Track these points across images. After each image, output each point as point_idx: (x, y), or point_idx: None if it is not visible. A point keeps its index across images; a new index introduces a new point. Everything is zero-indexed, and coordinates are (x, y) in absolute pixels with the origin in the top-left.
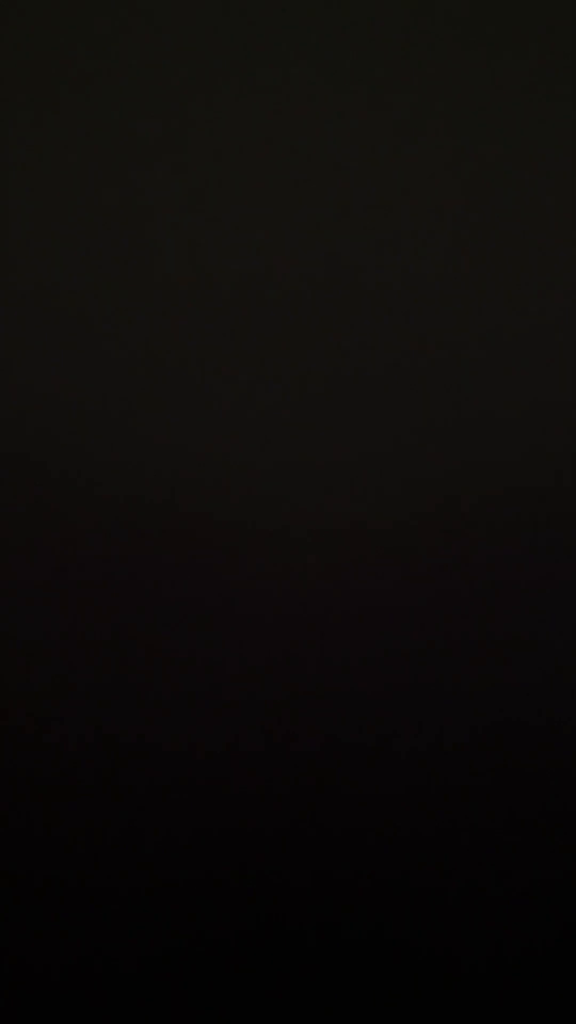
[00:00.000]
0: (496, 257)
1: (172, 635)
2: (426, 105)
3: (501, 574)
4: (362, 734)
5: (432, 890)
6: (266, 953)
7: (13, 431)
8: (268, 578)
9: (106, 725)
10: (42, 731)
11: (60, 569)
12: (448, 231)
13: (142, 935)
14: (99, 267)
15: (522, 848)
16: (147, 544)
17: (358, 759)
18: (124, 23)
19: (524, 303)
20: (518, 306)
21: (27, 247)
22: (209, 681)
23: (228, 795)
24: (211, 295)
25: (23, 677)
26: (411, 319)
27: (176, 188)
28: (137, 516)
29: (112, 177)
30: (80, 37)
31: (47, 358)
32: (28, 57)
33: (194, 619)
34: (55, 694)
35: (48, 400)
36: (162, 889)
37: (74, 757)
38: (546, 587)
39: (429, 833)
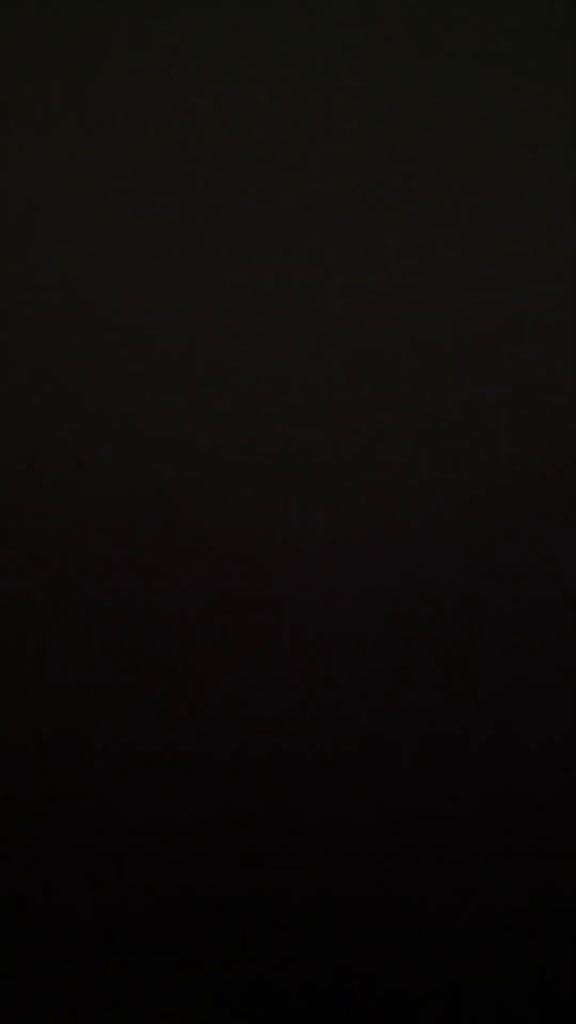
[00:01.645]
0: (498, 262)
1: (169, 641)
2: (426, 112)
3: (501, 586)
4: (361, 741)
5: (432, 903)
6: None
7: (11, 436)
8: (266, 587)
9: (105, 730)
10: (39, 741)
11: (56, 578)
12: (449, 236)
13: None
14: (98, 273)
15: (521, 855)
16: (145, 550)
17: (356, 767)
18: (121, 22)
19: (526, 314)
20: (520, 319)
21: (26, 248)
22: (206, 687)
23: (227, 801)
24: (210, 301)
25: (18, 685)
26: (412, 328)
27: (176, 185)
28: (134, 523)
29: (111, 179)
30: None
31: (46, 362)
32: (26, 56)
33: (191, 629)
34: (52, 701)
35: (46, 403)
36: (161, 900)
37: (73, 766)
38: (545, 596)
39: (427, 842)
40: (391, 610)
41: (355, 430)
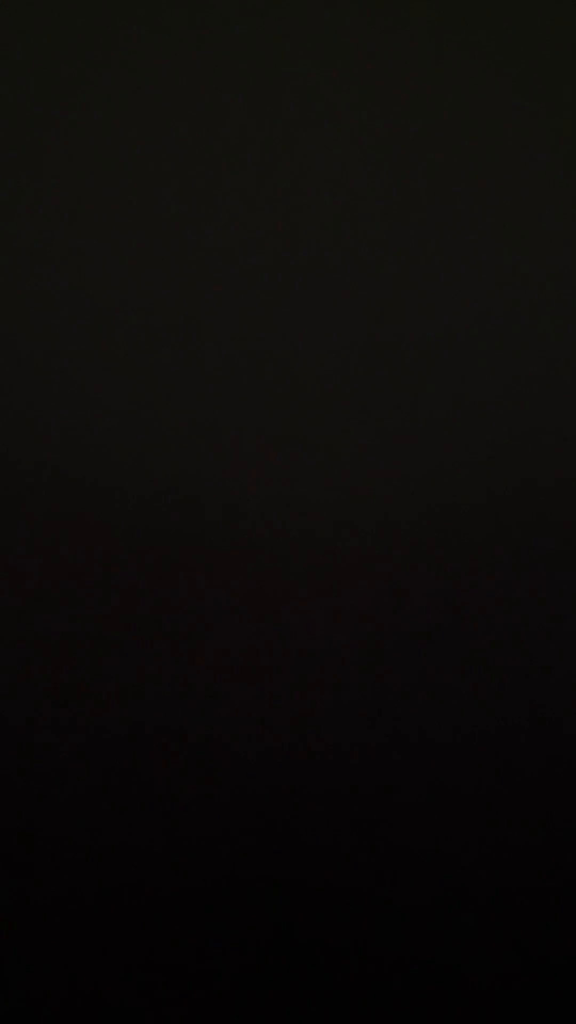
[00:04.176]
0: (498, 267)
1: (170, 648)
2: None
3: (503, 598)
4: (362, 748)
5: (432, 902)
6: (265, 961)
7: (14, 439)
8: (267, 594)
9: (105, 729)
10: (39, 742)
11: (55, 582)
12: (450, 241)
13: (140, 943)
14: (98, 275)
15: (521, 857)
16: (147, 552)
17: (358, 773)
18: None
19: (528, 324)
20: (522, 328)
21: (25, 252)
22: (206, 692)
23: (226, 804)
24: (210, 307)
25: (20, 685)
26: (413, 334)
27: (176, 187)
28: (136, 525)
29: (111, 183)
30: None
31: (48, 364)
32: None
33: (192, 637)
34: (51, 702)
35: (49, 407)
36: (162, 904)
37: (72, 768)
38: (547, 606)
39: (428, 845)
40: (395, 618)
41: (358, 433)
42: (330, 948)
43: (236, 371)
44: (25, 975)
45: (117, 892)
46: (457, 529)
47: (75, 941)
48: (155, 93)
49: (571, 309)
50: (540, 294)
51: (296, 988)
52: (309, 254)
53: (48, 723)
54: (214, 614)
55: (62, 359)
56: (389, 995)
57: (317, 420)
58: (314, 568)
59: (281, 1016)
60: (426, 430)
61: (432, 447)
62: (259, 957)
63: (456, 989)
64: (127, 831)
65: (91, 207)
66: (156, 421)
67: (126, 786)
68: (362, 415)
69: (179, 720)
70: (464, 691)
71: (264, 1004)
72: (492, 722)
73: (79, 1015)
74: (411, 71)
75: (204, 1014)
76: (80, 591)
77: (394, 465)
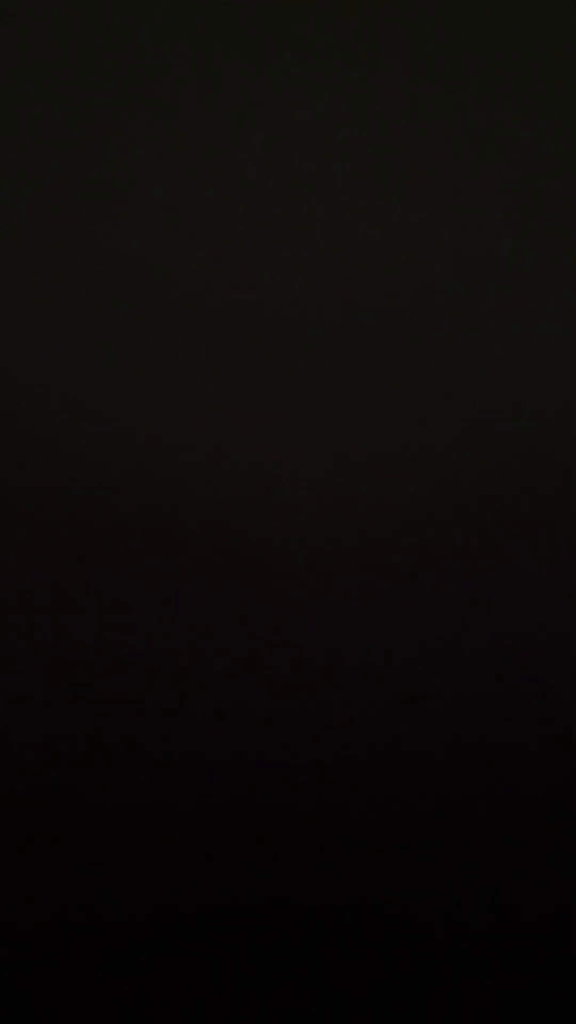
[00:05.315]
0: (497, 267)
1: (169, 638)
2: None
3: (502, 576)
4: (363, 738)
5: (431, 891)
6: (264, 935)
7: (14, 435)
8: (267, 587)
9: (102, 724)
10: (36, 738)
11: (55, 577)
12: (449, 241)
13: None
14: (98, 273)
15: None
16: (148, 545)
17: (358, 763)
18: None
19: (525, 318)
20: (519, 323)
21: (25, 250)
22: (206, 684)
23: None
24: (209, 305)
25: (18, 679)
26: (411, 331)
27: (175, 187)
28: (137, 518)
29: (110, 181)
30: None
31: (48, 362)
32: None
33: (192, 627)
34: (48, 699)
35: (48, 405)
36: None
37: (69, 763)
38: (545, 598)
39: (431, 841)
40: (394, 600)
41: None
42: (327, 911)
43: (233, 349)
44: (21, 933)
45: (117, 862)
46: (456, 508)
47: (72, 904)
48: (153, 86)
49: (569, 294)
50: (541, 279)
51: (294, 951)
52: (304, 233)
53: (47, 696)
54: (212, 596)
55: (58, 341)
56: (383, 956)
57: (316, 399)
58: (313, 551)
59: (277, 982)
60: (425, 412)
61: (431, 426)
62: (257, 920)
63: (452, 954)
64: (126, 800)
65: (89, 191)
66: (155, 402)
67: (126, 759)
68: (360, 396)
69: (178, 694)
70: (464, 667)
71: (261, 969)
72: (492, 698)
73: (71, 978)
74: (405, 69)
75: (200, 983)
76: (78, 571)
77: (393, 444)
